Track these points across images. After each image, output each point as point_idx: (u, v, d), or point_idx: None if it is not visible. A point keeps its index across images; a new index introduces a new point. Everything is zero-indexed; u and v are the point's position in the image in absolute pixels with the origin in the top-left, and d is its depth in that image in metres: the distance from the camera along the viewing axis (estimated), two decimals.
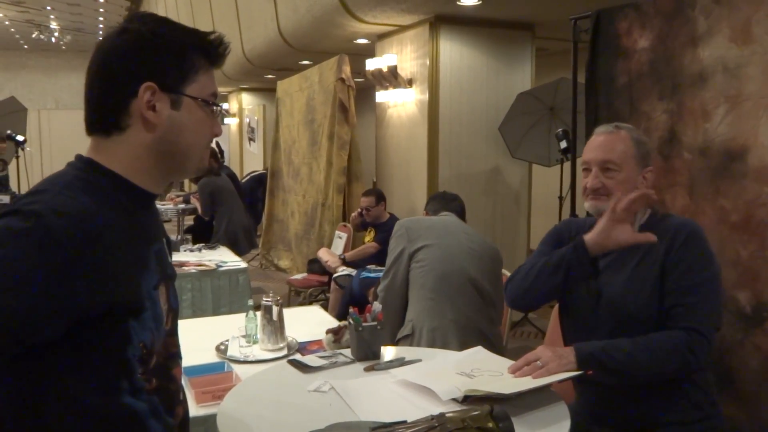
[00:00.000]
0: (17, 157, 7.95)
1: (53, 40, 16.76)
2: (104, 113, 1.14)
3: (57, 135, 17.61)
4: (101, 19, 16.04)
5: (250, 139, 13.23)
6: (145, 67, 1.12)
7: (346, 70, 6.14)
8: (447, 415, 1.46)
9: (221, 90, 14.16)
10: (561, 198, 5.47)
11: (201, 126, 1.19)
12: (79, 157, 1.17)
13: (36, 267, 0.96)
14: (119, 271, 1.07)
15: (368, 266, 4.89)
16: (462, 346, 2.57)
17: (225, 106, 14.78)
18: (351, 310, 2.16)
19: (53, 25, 16.01)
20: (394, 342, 2.88)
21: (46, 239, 0.97)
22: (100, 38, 1.17)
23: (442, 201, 3.36)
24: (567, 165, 4.72)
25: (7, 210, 1.00)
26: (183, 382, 2.20)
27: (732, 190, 2.62)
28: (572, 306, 2.03)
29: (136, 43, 1.13)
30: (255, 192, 9.40)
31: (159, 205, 8.41)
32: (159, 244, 1.23)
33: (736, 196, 2.60)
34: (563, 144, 4.81)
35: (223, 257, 4.91)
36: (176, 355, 1.28)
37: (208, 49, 1.19)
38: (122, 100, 1.12)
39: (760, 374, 2.53)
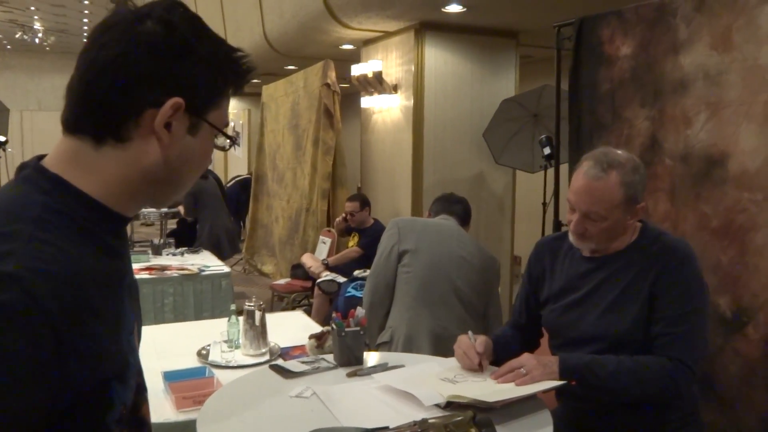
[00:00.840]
0: None
1: (37, 41, 16.65)
2: (108, 114, 0.88)
3: (39, 137, 17.45)
4: (86, 21, 15.94)
5: (235, 143, 13.19)
6: (181, 77, 0.89)
7: (332, 75, 6.14)
8: (429, 420, 1.46)
9: None
10: (545, 204, 5.49)
11: (206, 158, 0.99)
12: (41, 171, 0.89)
13: (25, 352, 0.75)
14: (106, 334, 0.86)
15: (354, 274, 4.86)
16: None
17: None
18: (334, 315, 2.15)
19: (37, 25, 15.90)
20: (374, 347, 2.86)
21: (32, 313, 0.75)
22: (121, 12, 0.90)
23: (445, 203, 3.21)
24: (551, 171, 4.73)
25: None
26: (163, 386, 2.19)
27: (713, 196, 2.64)
28: (556, 326, 2.03)
29: (179, 44, 0.89)
30: (239, 197, 9.38)
31: None
32: (130, 273, 1.01)
33: (717, 202, 2.62)
34: (547, 150, 4.83)
35: (206, 261, 4.89)
36: (142, 388, 1.05)
37: (238, 72, 0.97)
38: (138, 107, 0.88)
39: (740, 379, 2.55)
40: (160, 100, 0.88)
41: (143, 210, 8.13)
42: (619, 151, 1.90)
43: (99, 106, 0.88)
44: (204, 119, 0.93)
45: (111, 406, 0.88)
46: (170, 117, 0.89)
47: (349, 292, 4.61)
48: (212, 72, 0.93)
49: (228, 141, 1.00)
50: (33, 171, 0.89)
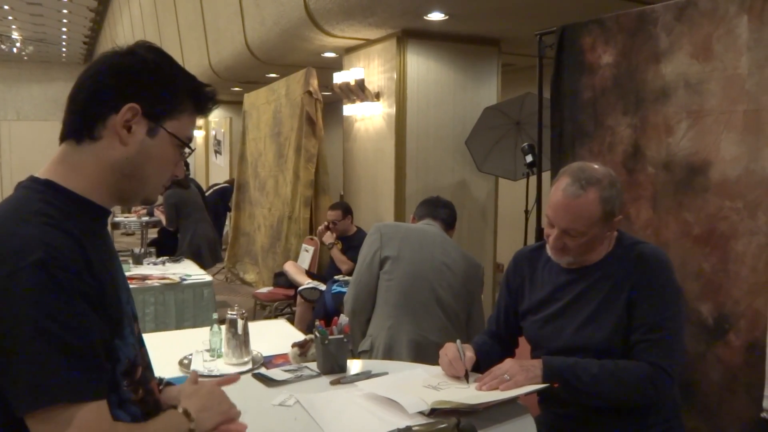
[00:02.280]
0: None
1: (15, 50, 16.51)
2: (83, 119, 1.15)
3: (17, 146, 17.28)
4: (64, 30, 15.84)
5: (216, 152, 13.13)
6: (135, 89, 1.16)
7: (314, 83, 6.13)
8: (413, 428, 1.45)
9: None
10: (527, 212, 5.51)
11: (166, 162, 1.23)
12: (34, 180, 1.16)
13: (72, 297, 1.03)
14: (109, 293, 1.12)
15: (336, 277, 4.85)
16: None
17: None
18: (317, 323, 2.14)
19: (15, 35, 15.78)
20: (356, 355, 2.84)
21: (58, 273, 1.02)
22: (102, 51, 1.22)
23: (430, 207, 3.12)
24: (533, 179, 4.76)
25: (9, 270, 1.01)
26: None
27: (694, 203, 2.66)
28: (537, 338, 2.03)
29: (136, 66, 1.17)
30: (217, 205, 9.32)
31: (122, 217, 8.31)
32: (118, 257, 1.27)
33: (699, 209, 2.64)
34: (529, 158, 4.85)
35: (187, 270, 4.85)
36: (150, 367, 1.32)
37: (199, 97, 1.25)
38: (103, 112, 1.15)
39: (721, 386, 2.56)
40: (119, 105, 1.14)
41: (124, 219, 8.09)
42: (596, 165, 1.90)
43: (78, 113, 1.16)
44: (161, 126, 1.19)
45: (118, 360, 1.14)
46: (129, 120, 1.15)
47: (335, 289, 4.59)
48: (170, 89, 1.20)
49: (187, 150, 1.25)
50: (28, 181, 1.16)
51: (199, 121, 14.05)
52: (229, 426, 1.33)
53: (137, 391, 1.21)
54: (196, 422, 1.24)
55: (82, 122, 1.16)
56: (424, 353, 2.68)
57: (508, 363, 1.83)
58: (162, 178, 1.24)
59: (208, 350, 2.55)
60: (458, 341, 1.98)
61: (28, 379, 0.99)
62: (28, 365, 0.99)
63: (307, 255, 6.02)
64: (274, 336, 2.92)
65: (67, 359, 1.00)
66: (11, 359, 0.99)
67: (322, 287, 5.02)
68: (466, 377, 1.88)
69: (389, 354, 2.74)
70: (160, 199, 7.29)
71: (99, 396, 1.05)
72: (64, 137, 1.18)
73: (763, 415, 2.39)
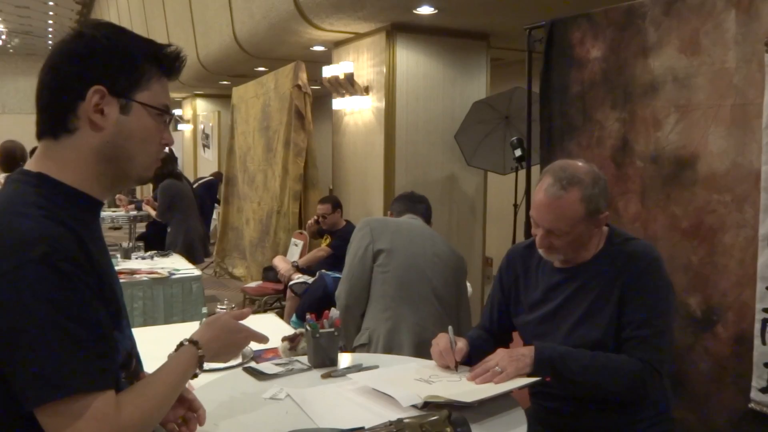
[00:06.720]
0: None
1: (0, 42, 16.37)
2: (53, 115, 1.13)
3: (3, 140, 17.15)
4: (50, 22, 15.72)
5: (205, 146, 13.08)
6: (95, 70, 1.12)
7: (303, 77, 6.12)
8: (405, 420, 1.46)
9: (176, 96, 13.98)
10: (516, 206, 5.52)
11: (149, 133, 1.19)
12: (26, 173, 1.14)
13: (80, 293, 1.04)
14: (107, 285, 1.12)
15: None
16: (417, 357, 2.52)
17: (177, 111, 14.56)
18: (308, 316, 2.13)
19: (0, 27, 15.64)
20: (351, 350, 2.84)
21: (64, 266, 1.02)
22: (55, 42, 1.18)
23: (408, 202, 3.18)
24: (522, 173, 4.76)
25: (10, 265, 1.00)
26: None
27: (683, 197, 2.67)
28: (531, 338, 2.02)
29: (88, 47, 1.13)
30: (204, 200, 9.28)
31: (110, 212, 8.27)
32: (108, 249, 1.26)
33: (687, 203, 2.66)
34: (518, 152, 4.86)
35: (176, 265, 4.83)
36: (139, 359, 1.33)
37: (162, 60, 1.19)
38: (70, 102, 1.12)
39: (710, 377, 2.59)
40: (84, 91, 1.11)
41: (111, 213, 8.05)
42: (579, 163, 1.91)
43: (46, 111, 1.14)
44: (132, 99, 1.15)
45: (116, 352, 1.14)
46: (98, 104, 1.12)
47: (335, 274, 4.58)
48: (128, 60, 1.15)
49: (168, 116, 1.21)
50: (20, 174, 1.14)
51: (188, 115, 14.02)
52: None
53: (132, 383, 1.21)
54: (205, 350, 1.27)
55: (52, 118, 1.13)
56: (425, 344, 2.69)
57: (499, 354, 1.84)
58: (150, 151, 1.21)
59: None
60: (450, 330, 1.98)
61: (38, 372, 0.98)
62: (39, 358, 0.98)
63: (296, 249, 6.01)
64: (264, 330, 2.90)
65: (78, 351, 1.01)
66: (20, 353, 0.98)
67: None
68: (456, 368, 1.89)
69: (390, 345, 2.74)
70: (147, 195, 7.24)
71: (109, 386, 1.05)
72: (39, 136, 1.16)
73: (751, 405, 2.42)
